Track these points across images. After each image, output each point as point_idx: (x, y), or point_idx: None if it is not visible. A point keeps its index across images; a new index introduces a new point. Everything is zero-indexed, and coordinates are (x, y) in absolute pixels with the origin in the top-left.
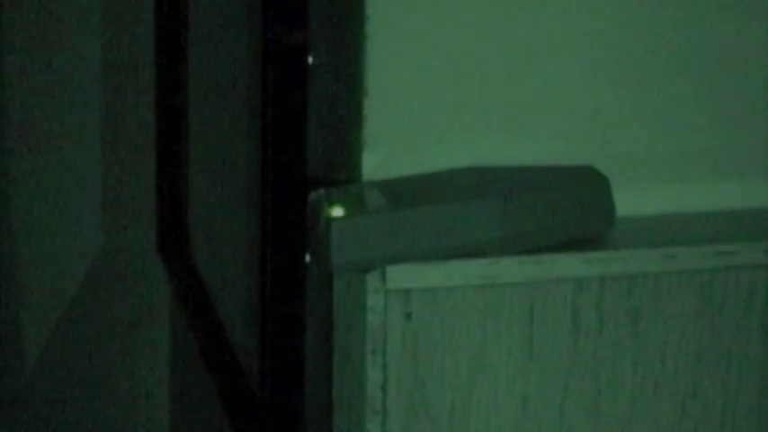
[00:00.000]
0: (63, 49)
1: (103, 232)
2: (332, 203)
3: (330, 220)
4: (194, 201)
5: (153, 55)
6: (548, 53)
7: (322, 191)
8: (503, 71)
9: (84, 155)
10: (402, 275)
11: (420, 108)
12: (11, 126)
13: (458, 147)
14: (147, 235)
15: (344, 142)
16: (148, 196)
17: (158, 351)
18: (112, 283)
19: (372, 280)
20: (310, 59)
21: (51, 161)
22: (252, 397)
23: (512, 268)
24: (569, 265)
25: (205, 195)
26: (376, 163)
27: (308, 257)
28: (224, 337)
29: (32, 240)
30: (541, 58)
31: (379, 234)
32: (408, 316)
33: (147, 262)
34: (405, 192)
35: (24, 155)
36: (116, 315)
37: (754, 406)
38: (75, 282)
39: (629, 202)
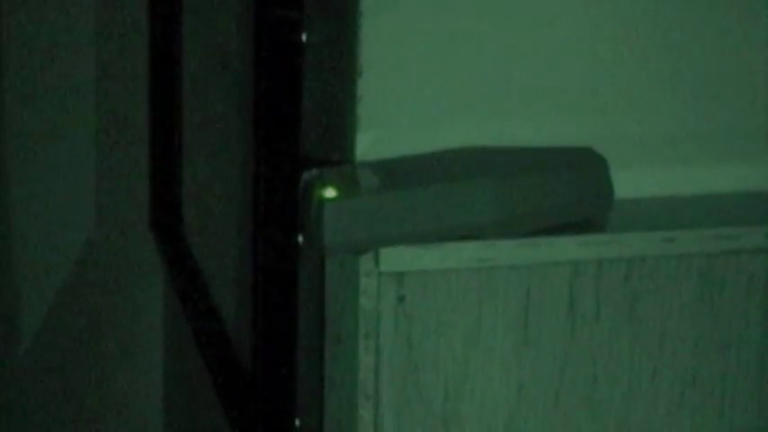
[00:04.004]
0: (57, 29)
1: (97, 211)
2: (325, 184)
3: (323, 200)
4: (187, 180)
5: (147, 35)
6: (546, 33)
7: (315, 171)
8: (500, 51)
9: (78, 135)
10: (395, 258)
11: (415, 88)
12: (4, 109)
13: (453, 127)
14: (140, 213)
15: (338, 122)
16: (142, 175)
17: (151, 330)
18: (106, 261)
19: (365, 262)
20: (304, 37)
21: (44, 142)
22: (244, 379)
23: (507, 251)
24: (566, 248)
25: (198, 175)
26: (370, 143)
27: (300, 239)
28: (216, 317)
29: (25, 220)
30: (539, 39)
31: (373, 216)
32: (402, 299)
33: (140, 240)
34: (399, 173)
35: (17, 136)
36: (110, 293)
37: (754, 392)
38: (70, 260)
39: (628, 184)
